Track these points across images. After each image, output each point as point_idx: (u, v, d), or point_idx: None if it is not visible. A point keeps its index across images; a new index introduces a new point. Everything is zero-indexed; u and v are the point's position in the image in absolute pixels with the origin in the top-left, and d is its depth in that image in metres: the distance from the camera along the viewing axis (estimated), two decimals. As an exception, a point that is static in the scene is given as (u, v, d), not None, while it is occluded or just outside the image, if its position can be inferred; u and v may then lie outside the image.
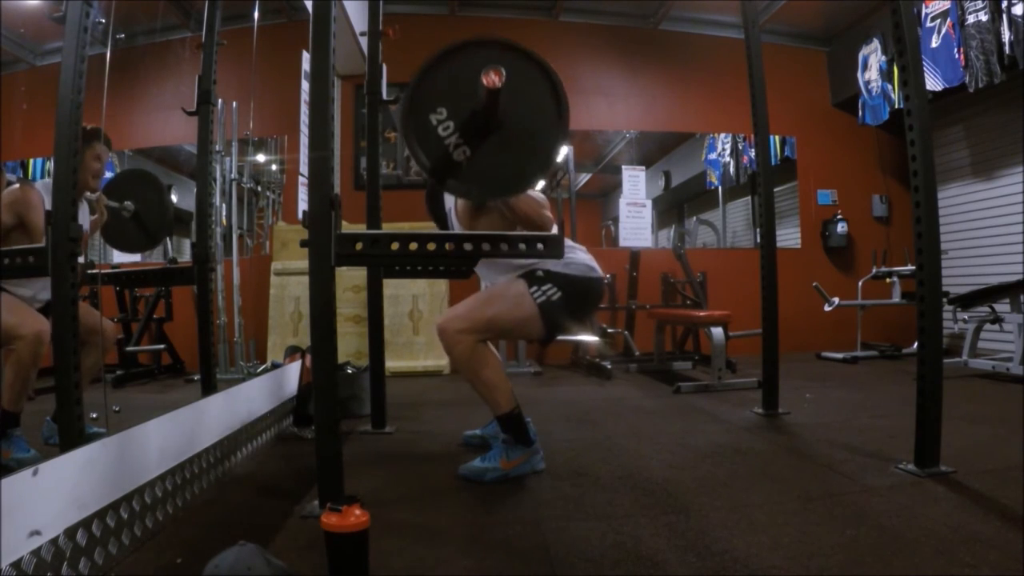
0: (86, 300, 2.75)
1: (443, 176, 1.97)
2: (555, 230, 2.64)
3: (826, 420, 3.46)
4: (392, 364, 5.09)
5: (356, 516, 1.55)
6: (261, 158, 6.28)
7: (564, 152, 6.07)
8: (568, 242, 2.66)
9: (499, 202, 2.36)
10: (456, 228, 2.72)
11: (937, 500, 2.17)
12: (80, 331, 1.82)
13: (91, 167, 2.72)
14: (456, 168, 1.96)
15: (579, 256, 2.63)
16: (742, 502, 2.22)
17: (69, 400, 1.75)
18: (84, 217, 2.76)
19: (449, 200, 2.79)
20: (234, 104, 4.63)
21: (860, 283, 6.50)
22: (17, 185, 2.60)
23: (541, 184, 2.51)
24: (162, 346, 4.97)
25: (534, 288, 2.51)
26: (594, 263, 2.68)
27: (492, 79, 1.78)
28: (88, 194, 2.80)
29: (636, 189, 6.24)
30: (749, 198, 7.25)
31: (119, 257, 4.25)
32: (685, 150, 7.36)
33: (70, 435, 1.73)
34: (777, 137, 7.08)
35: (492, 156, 1.96)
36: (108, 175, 3.00)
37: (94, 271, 3.20)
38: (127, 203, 2.95)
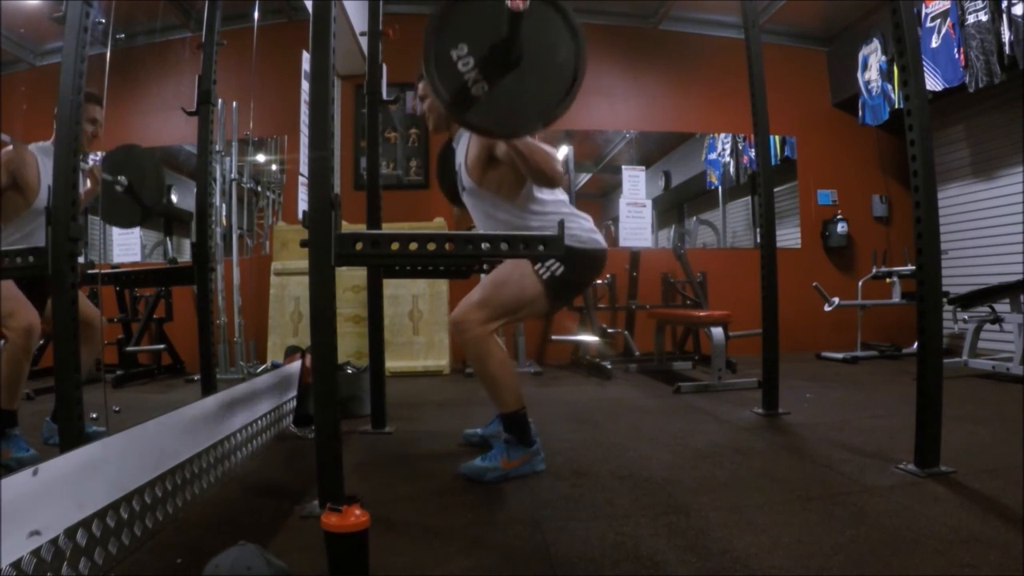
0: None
1: (462, 110, 1.97)
2: (563, 190, 2.66)
3: (826, 420, 3.46)
4: (392, 364, 5.09)
5: (356, 516, 1.55)
6: (261, 158, 6.29)
7: (565, 152, 6.07)
8: (572, 209, 2.67)
9: (511, 151, 2.35)
10: (466, 183, 2.70)
11: (937, 500, 2.17)
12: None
13: (85, 130, 2.65)
14: (475, 102, 1.96)
15: (582, 224, 2.63)
16: (742, 502, 2.22)
17: (69, 400, 1.75)
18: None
19: (460, 155, 2.77)
20: (234, 104, 4.64)
21: (860, 283, 6.50)
22: (11, 146, 2.59)
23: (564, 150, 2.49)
24: (162, 346, 4.98)
25: (538, 265, 2.53)
26: (597, 232, 2.68)
27: (517, 3, 1.80)
28: (82, 164, 2.77)
29: (636, 189, 6.24)
30: (749, 198, 7.25)
31: (119, 257, 4.26)
32: (685, 150, 7.35)
33: (70, 435, 1.73)
34: (777, 137, 7.08)
35: (511, 90, 1.97)
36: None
37: (94, 271, 3.20)
38: (120, 177, 2.91)
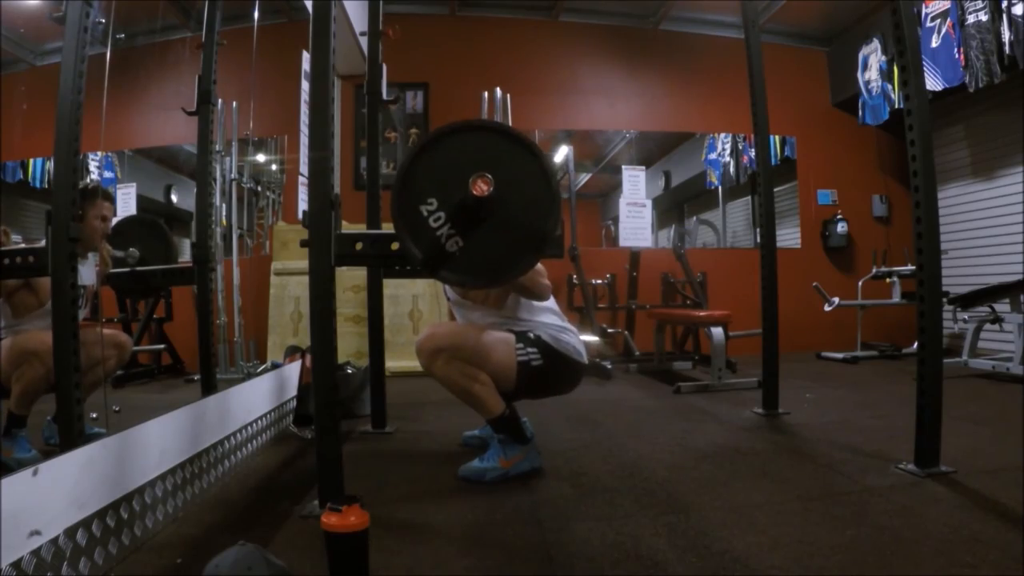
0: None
1: (436, 267, 1.99)
2: (551, 299, 2.65)
3: (826, 420, 3.46)
4: (392, 364, 5.09)
5: (356, 516, 1.55)
6: (261, 158, 6.29)
7: (565, 152, 6.08)
8: (561, 322, 2.67)
9: None
10: (450, 294, 2.78)
11: (937, 500, 2.17)
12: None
13: (95, 227, 2.64)
14: (449, 258, 1.98)
15: (570, 339, 2.63)
16: (742, 502, 2.22)
17: (69, 400, 1.75)
18: (89, 273, 2.71)
19: None
20: (234, 104, 4.64)
21: (860, 283, 6.50)
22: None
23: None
24: (162, 346, 4.98)
25: (520, 345, 2.51)
26: (582, 348, 2.68)
27: (480, 188, 1.82)
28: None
29: (636, 189, 6.23)
30: (749, 198, 7.25)
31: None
32: (685, 150, 7.36)
33: (70, 435, 1.73)
34: (777, 137, 7.08)
35: (484, 244, 1.98)
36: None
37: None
38: (132, 250, 2.90)
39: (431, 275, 2.02)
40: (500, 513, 2.16)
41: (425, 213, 1.96)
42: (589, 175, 7.38)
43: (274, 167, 6.37)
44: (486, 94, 5.19)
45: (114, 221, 2.94)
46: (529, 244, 1.98)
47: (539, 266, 2.42)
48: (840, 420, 3.46)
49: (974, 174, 6.37)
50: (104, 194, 2.65)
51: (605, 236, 7.40)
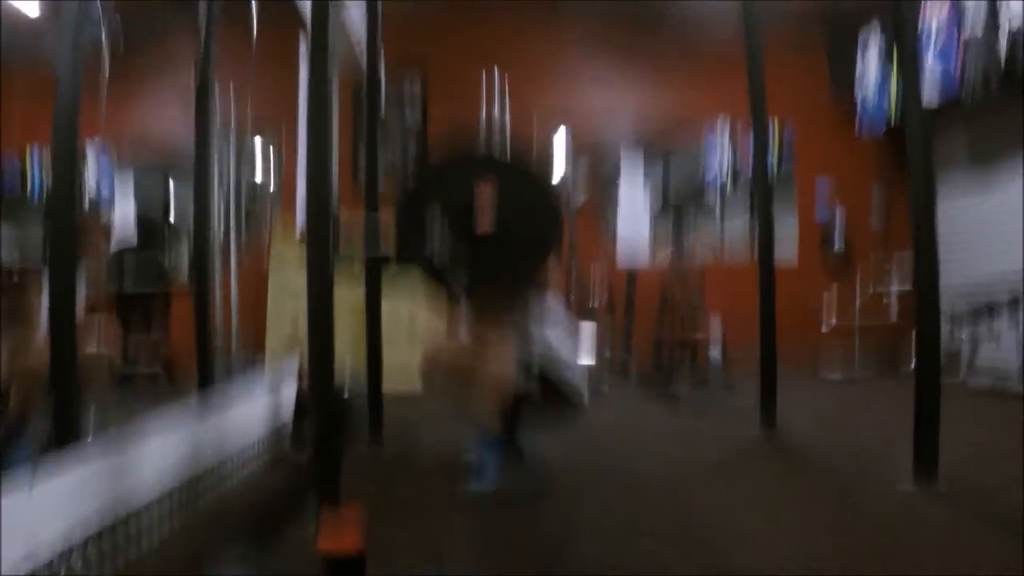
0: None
1: (441, 278, 2.01)
2: (559, 304, 2.64)
3: (824, 437, 3.46)
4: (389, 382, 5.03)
5: (352, 536, 1.53)
6: (260, 150, 6.24)
7: (562, 136, 6.04)
8: (569, 340, 2.64)
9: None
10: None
11: (934, 516, 2.17)
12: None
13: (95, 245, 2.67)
14: (453, 270, 2.04)
15: (572, 377, 2.57)
16: (741, 519, 2.22)
17: (65, 401, 1.72)
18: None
19: None
20: (231, 93, 4.60)
21: (858, 303, 6.52)
22: None
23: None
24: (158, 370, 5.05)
25: (521, 376, 2.43)
26: (584, 389, 2.63)
27: (483, 227, 1.86)
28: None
29: (634, 198, 6.18)
30: (748, 205, 7.18)
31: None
32: (684, 155, 7.31)
33: (65, 435, 1.70)
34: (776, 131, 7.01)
35: (487, 259, 2.04)
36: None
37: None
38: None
39: (435, 284, 2.03)
40: (500, 530, 2.17)
41: (430, 224, 1.98)
42: (585, 163, 7.29)
43: (272, 160, 6.33)
44: (484, 75, 5.14)
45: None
46: (533, 256, 2.01)
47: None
48: (838, 437, 3.48)
49: (970, 181, 6.38)
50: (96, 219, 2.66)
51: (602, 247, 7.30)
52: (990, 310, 4.83)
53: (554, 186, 2.09)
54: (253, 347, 5.11)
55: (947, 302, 5.64)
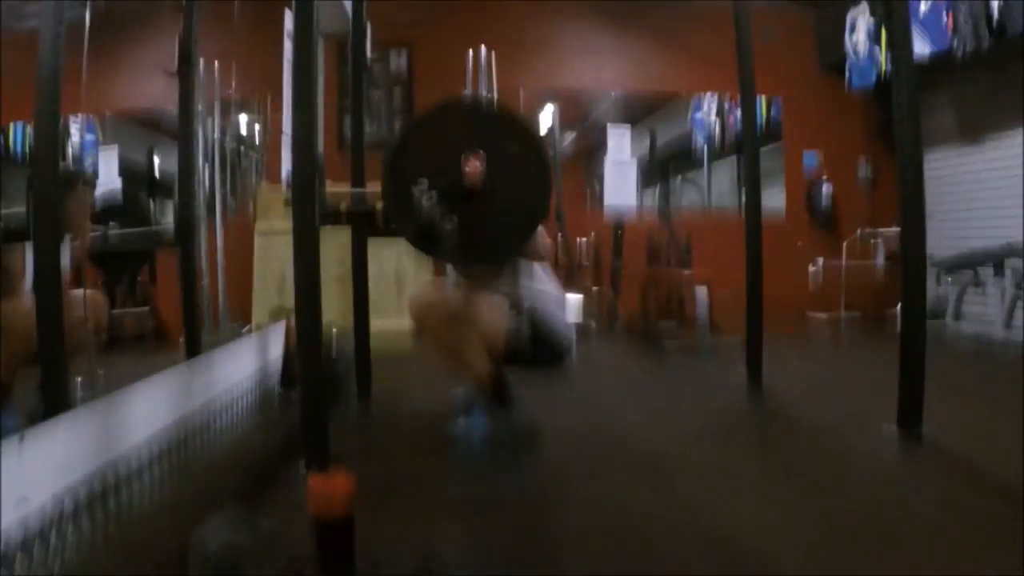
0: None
1: (429, 246, 1.99)
2: (548, 271, 2.62)
3: (810, 384, 3.50)
4: (376, 323, 5.06)
5: (342, 480, 1.55)
6: (244, 118, 6.20)
7: (550, 109, 6.01)
8: (557, 293, 2.63)
9: None
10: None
11: (919, 462, 2.21)
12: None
13: (76, 213, 2.59)
14: (441, 237, 1.97)
15: (561, 317, 2.58)
16: (728, 470, 2.26)
17: (53, 367, 1.74)
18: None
19: None
20: (216, 63, 4.56)
21: (844, 244, 6.53)
22: None
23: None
24: (145, 308, 4.98)
25: (513, 312, 2.41)
26: (572, 332, 2.63)
27: (474, 166, 1.82)
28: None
29: (621, 147, 6.17)
30: (734, 157, 7.19)
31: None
32: (671, 109, 7.29)
33: (54, 401, 1.72)
34: (763, 98, 7.01)
35: (476, 225, 1.98)
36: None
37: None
38: (111, 224, 2.90)
39: (424, 252, 2.02)
40: (490, 481, 2.21)
41: (417, 193, 1.96)
42: (574, 134, 7.29)
43: (257, 127, 6.30)
44: (471, 52, 5.10)
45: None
46: (523, 221, 1.99)
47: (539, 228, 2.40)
48: (824, 382, 3.51)
49: (960, 139, 6.36)
50: (80, 180, 2.61)
51: (590, 196, 7.32)
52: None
53: (542, 137, 2.04)
54: (240, 315, 5.11)
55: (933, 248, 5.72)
